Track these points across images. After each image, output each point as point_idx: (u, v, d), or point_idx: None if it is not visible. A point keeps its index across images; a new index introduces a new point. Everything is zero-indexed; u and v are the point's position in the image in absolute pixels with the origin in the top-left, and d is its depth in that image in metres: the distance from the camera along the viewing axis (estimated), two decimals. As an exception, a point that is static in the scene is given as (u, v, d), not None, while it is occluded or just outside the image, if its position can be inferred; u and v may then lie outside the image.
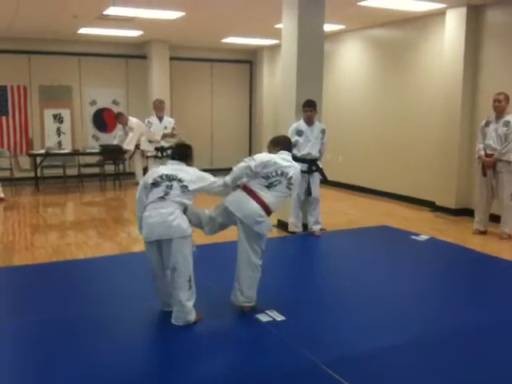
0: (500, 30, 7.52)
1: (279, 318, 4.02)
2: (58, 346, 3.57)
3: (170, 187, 3.87)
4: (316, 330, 3.90)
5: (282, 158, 4.18)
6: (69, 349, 3.53)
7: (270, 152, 4.32)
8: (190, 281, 3.84)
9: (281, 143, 4.37)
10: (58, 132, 11.67)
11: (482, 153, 6.76)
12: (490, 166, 6.69)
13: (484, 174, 6.80)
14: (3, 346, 3.63)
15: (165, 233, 3.76)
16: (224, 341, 3.71)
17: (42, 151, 10.66)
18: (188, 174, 4.00)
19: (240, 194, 4.11)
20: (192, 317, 3.87)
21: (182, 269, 3.78)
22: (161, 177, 3.91)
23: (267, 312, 4.09)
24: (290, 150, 4.37)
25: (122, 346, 3.60)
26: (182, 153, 4.20)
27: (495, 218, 6.93)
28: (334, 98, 10.48)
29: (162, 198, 3.83)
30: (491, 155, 6.67)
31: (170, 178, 3.90)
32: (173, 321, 3.88)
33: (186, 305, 3.82)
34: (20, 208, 8.86)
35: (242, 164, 4.09)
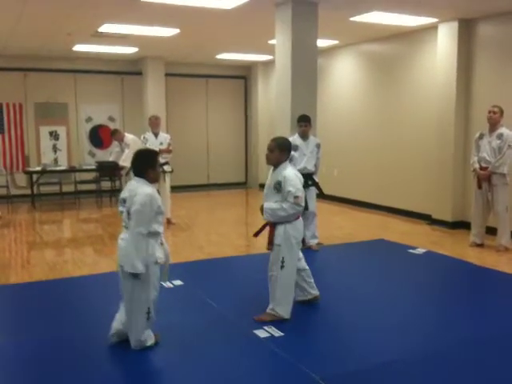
0: (492, 42, 7.60)
1: (277, 333, 4.00)
2: (53, 366, 3.55)
3: (128, 215, 3.56)
4: (315, 345, 3.89)
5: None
6: (65, 368, 3.50)
7: (275, 157, 4.20)
8: (148, 313, 3.66)
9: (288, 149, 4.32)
10: (54, 149, 11.68)
11: (477, 166, 6.80)
12: (484, 178, 6.72)
13: (479, 187, 6.82)
14: (-1, 366, 3.61)
15: (121, 261, 3.63)
16: (222, 357, 3.68)
17: (38, 168, 10.67)
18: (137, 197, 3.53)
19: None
20: (150, 342, 3.73)
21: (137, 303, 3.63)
22: (121, 201, 3.67)
23: (265, 328, 4.08)
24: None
25: (120, 366, 3.58)
26: (138, 165, 3.69)
27: (492, 231, 6.94)
28: (328, 112, 10.54)
29: (125, 228, 3.64)
30: (486, 168, 6.70)
31: (126, 202, 3.60)
32: (132, 346, 3.69)
33: (143, 333, 3.69)
34: (16, 225, 8.84)
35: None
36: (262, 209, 4.20)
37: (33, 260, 6.52)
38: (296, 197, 4.05)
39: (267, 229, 4.26)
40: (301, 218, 4.28)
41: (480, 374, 3.45)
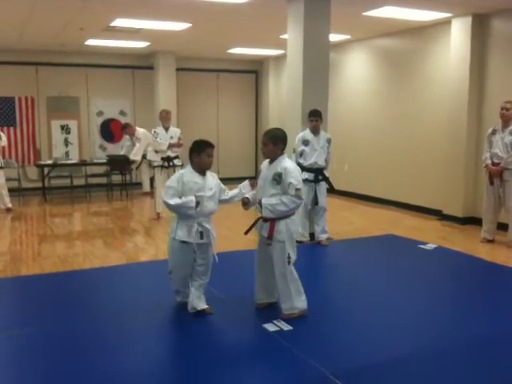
0: (506, 38, 7.53)
1: (286, 327, 4.00)
2: (64, 357, 3.57)
3: None
4: (324, 340, 3.88)
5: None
6: (74, 359, 3.53)
7: (270, 150, 4.15)
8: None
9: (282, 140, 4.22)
10: (66, 142, 11.75)
11: (489, 161, 6.75)
12: (496, 174, 6.67)
13: (491, 183, 6.78)
14: (10, 355, 3.64)
15: None
16: (231, 351, 3.69)
17: (50, 162, 10.75)
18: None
19: None
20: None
21: None
22: None
23: (274, 322, 4.08)
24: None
25: (128, 358, 3.60)
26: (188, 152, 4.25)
27: (503, 227, 6.89)
28: (340, 107, 10.50)
29: None
30: (498, 164, 6.65)
31: None
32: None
33: None
34: (27, 218, 8.90)
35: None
36: (260, 203, 4.11)
37: (44, 252, 6.57)
38: (297, 189, 4.00)
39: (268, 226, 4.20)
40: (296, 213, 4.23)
41: (491, 371, 3.43)
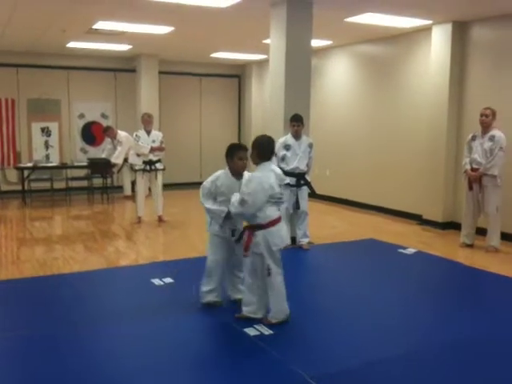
0: (485, 45, 7.64)
1: (267, 331, 4.01)
2: (41, 361, 3.54)
3: None
4: (304, 344, 3.90)
5: None
6: (52, 363, 3.50)
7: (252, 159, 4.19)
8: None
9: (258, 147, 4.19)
10: (46, 145, 11.64)
11: (468, 167, 6.83)
12: (475, 180, 6.76)
13: (470, 188, 6.86)
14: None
15: None
16: (211, 354, 3.69)
17: (30, 164, 10.64)
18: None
19: None
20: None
21: None
22: None
23: (255, 326, 4.09)
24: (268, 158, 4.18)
25: (106, 362, 3.57)
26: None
27: (482, 232, 6.98)
28: (322, 112, 10.56)
29: None
30: (477, 169, 6.74)
31: None
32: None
33: None
34: (7, 221, 8.80)
35: None
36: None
37: (23, 256, 6.49)
38: (242, 199, 3.95)
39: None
40: (281, 224, 4.13)
41: (470, 373, 3.47)
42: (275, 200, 4.06)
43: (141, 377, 3.38)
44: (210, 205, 4.31)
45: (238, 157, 4.22)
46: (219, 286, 4.53)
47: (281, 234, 4.13)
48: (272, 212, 4.04)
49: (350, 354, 3.70)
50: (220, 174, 4.33)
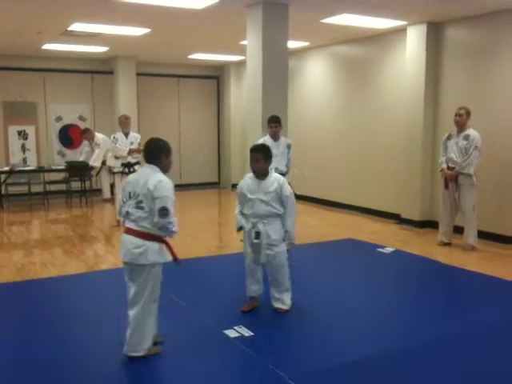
0: (459, 46, 7.74)
1: (247, 333, 4.02)
2: (20, 368, 3.50)
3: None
4: (284, 345, 3.91)
5: None
6: (31, 369, 3.47)
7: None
8: None
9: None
10: (23, 149, 11.50)
11: (444, 166, 6.92)
12: (451, 178, 6.84)
13: (446, 187, 6.95)
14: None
15: None
16: (191, 357, 3.68)
17: (7, 168, 10.49)
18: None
19: None
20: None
21: None
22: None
23: (235, 328, 4.10)
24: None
25: (87, 366, 3.55)
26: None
27: (459, 230, 7.07)
28: (300, 113, 10.61)
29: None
30: (453, 168, 6.82)
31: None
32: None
33: None
34: (-17, 227, 8.68)
35: None
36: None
37: (0, 261, 6.41)
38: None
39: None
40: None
41: (450, 371, 3.51)
42: None
43: (119, 379, 3.36)
44: (237, 210, 4.45)
45: (252, 158, 4.30)
46: (250, 286, 4.55)
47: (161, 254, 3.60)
48: None
49: (329, 354, 3.72)
50: (246, 176, 4.46)
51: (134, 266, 3.47)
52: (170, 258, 3.57)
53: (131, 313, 3.53)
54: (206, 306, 4.61)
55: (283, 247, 4.43)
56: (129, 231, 3.51)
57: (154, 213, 3.40)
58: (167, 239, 3.59)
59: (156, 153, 3.56)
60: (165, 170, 3.59)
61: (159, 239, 3.51)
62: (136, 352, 3.54)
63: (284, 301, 4.52)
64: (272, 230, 4.33)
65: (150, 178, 3.45)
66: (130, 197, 3.51)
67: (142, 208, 3.45)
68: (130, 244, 3.47)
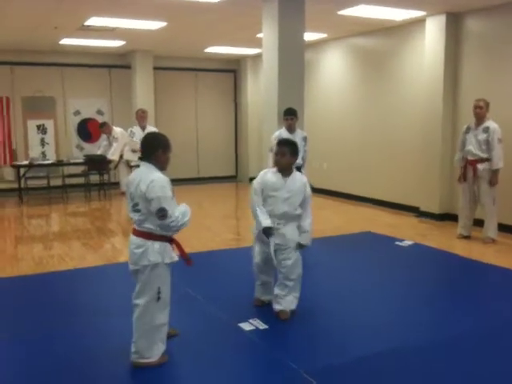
0: (479, 36, 7.62)
1: (262, 326, 4.01)
2: (40, 361, 3.54)
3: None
4: (299, 338, 3.90)
5: None
6: (51, 362, 3.50)
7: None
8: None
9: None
10: (42, 143, 11.61)
11: (460, 164, 6.92)
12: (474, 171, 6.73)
13: (464, 179, 6.84)
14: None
15: None
16: (205, 349, 3.68)
17: (26, 162, 10.60)
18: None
19: None
20: None
21: None
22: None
23: (250, 321, 4.09)
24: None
25: (106, 359, 3.57)
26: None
27: (479, 223, 6.97)
28: (317, 105, 10.54)
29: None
30: (473, 161, 6.72)
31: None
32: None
33: None
34: (4, 219, 8.79)
35: None
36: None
37: (19, 254, 6.49)
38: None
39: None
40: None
41: (467, 368, 3.46)
42: None
43: (137, 372, 3.37)
44: (258, 207, 4.08)
45: (278, 152, 4.07)
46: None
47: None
48: None
49: (346, 349, 3.69)
50: (268, 170, 4.23)
51: (136, 267, 3.38)
52: (175, 257, 3.44)
53: (134, 314, 3.44)
54: (221, 299, 4.61)
55: (297, 252, 4.23)
56: (133, 231, 3.45)
57: (153, 215, 3.30)
58: (177, 239, 3.49)
59: (152, 148, 3.41)
60: (162, 167, 3.46)
61: (163, 239, 3.39)
62: (145, 358, 3.39)
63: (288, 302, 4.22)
64: (288, 231, 4.11)
65: (143, 178, 3.31)
66: (130, 199, 3.41)
67: (138, 211, 3.34)
68: (132, 244, 3.39)
